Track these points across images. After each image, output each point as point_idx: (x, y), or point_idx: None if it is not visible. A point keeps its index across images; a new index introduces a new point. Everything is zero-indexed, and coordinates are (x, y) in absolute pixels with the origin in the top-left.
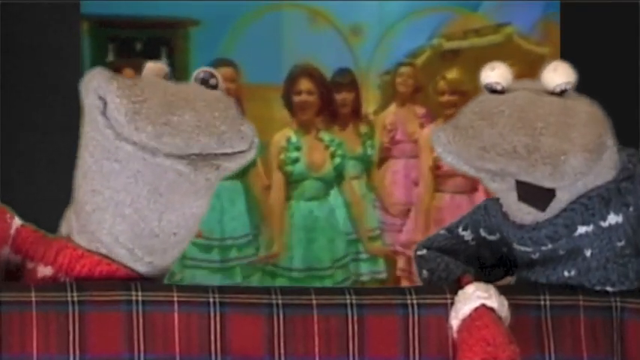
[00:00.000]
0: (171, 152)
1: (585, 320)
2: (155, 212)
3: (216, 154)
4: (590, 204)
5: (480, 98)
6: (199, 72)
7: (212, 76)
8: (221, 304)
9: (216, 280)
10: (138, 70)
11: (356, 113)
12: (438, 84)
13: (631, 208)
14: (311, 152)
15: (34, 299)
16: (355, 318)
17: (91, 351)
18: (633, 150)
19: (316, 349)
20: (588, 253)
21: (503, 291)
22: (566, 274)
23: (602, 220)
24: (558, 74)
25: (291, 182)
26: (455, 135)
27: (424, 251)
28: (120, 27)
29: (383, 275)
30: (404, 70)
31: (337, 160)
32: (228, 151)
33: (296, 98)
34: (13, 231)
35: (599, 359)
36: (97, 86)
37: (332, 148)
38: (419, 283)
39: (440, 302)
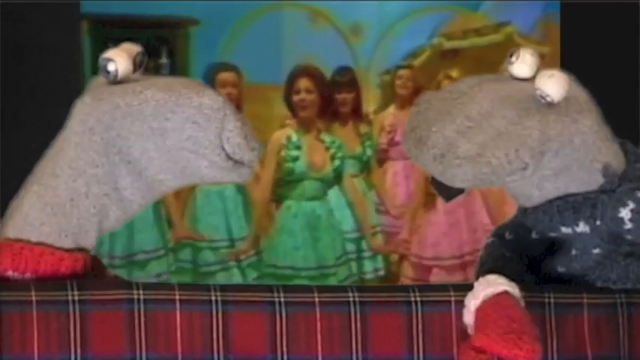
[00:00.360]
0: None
1: (589, 317)
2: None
3: None
4: (563, 207)
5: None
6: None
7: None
8: (223, 302)
9: (214, 280)
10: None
11: (356, 112)
12: (441, 83)
13: (598, 222)
14: (311, 152)
15: (34, 298)
16: (358, 316)
17: (92, 350)
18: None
19: (319, 347)
20: (573, 252)
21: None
22: (559, 269)
23: (575, 225)
24: (549, 85)
25: (290, 181)
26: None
27: (492, 239)
28: (120, 26)
29: (382, 273)
30: (403, 72)
31: (337, 162)
32: None
33: (295, 97)
34: None
35: (604, 356)
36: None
37: (332, 150)
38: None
39: (443, 300)
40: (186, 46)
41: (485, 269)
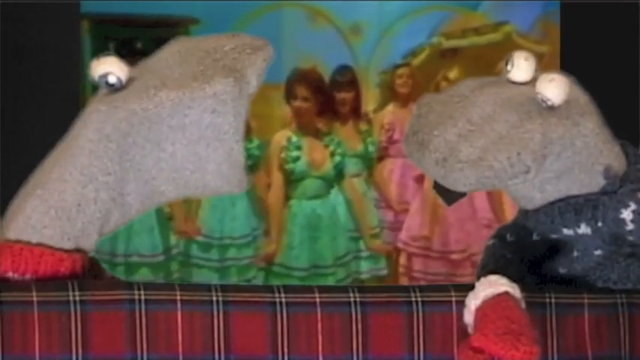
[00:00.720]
0: None
1: (590, 318)
2: None
3: None
4: (565, 209)
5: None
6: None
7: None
8: (224, 302)
9: (214, 279)
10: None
11: (356, 111)
12: (439, 84)
13: (599, 223)
14: (311, 151)
15: (35, 299)
16: (359, 316)
17: (93, 350)
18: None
19: (320, 347)
20: (575, 253)
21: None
22: (560, 270)
23: (577, 227)
24: (549, 89)
25: (292, 181)
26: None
27: (493, 241)
28: (120, 26)
29: (384, 272)
30: (402, 71)
31: (337, 158)
32: None
33: (293, 103)
34: None
35: (604, 356)
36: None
37: (331, 147)
38: (421, 277)
39: (444, 300)
40: None
41: (486, 270)
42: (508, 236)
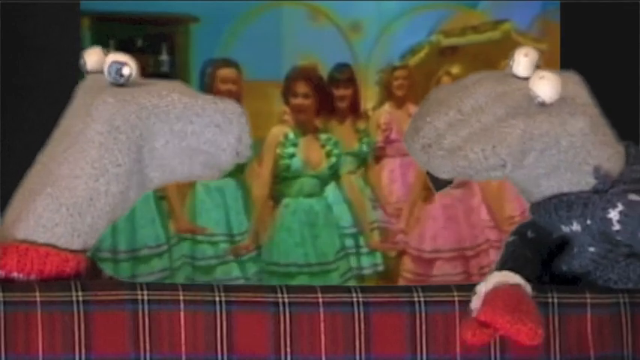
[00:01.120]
0: None
1: (592, 318)
2: None
3: None
4: (559, 206)
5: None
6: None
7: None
8: (227, 302)
9: (216, 277)
10: (138, 66)
11: (354, 109)
12: (441, 79)
13: (588, 221)
14: (307, 150)
15: (38, 299)
16: (362, 316)
17: (96, 351)
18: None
19: (322, 347)
20: (574, 250)
21: None
22: (562, 267)
23: (570, 224)
24: (539, 87)
25: (287, 178)
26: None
27: (513, 238)
28: (121, 23)
29: (380, 268)
30: (399, 73)
31: (333, 159)
32: None
33: (293, 100)
34: None
35: (607, 356)
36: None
37: (328, 147)
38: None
39: (447, 300)
40: (186, 42)
41: (505, 269)
42: (529, 233)
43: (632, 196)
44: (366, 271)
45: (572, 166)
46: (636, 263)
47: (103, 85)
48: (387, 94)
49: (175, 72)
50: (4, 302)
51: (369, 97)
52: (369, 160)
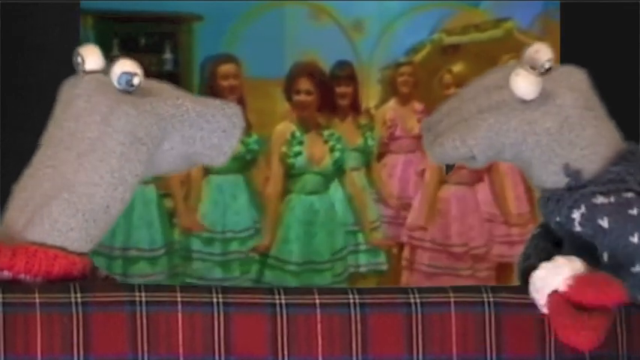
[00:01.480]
0: None
1: None
2: None
3: None
4: (545, 199)
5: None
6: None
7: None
8: (224, 304)
9: (216, 272)
10: (140, 63)
11: (355, 106)
12: (443, 77)
13: (557, 218)
14: (312, 147)
15: (37, 300)
16: (358, 317)
17: (94, 352)
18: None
19: (319, 348)
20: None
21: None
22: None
23: (553, 218)
24: (514, 83)
25: (292, 176)
26: None
27: (538, 230)
28: (124, 22)
29: (383, 266)
30: (404, 70)
31: (336, 154)
32: None
33: (295, 97)
34: None
35: (602, 355)
36: None
37: (331, 143)
38: (422, 272)
39: (443, 301)
40: (190, 41)
41: (527, 264)
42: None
43: (598, 199)
44: (369, 268)
45: (540, 163)
46: None
47: (111, 90)
48: (392, 90)
49: (178, 70)
50: (4, 304)
51: (371, 96)
52: (371, 156)
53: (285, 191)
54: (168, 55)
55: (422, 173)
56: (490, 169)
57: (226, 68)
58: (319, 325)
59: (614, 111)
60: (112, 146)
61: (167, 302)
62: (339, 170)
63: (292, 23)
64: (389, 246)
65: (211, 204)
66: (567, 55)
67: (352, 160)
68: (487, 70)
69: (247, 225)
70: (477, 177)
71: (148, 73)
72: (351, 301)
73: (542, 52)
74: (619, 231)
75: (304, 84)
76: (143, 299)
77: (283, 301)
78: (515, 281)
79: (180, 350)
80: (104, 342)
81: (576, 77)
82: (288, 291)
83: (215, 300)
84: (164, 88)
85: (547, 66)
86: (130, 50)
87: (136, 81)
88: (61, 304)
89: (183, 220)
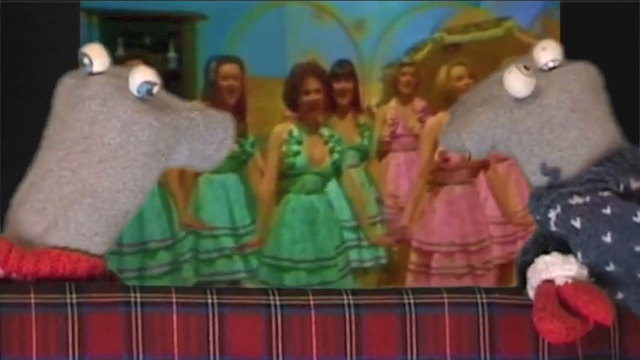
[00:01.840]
0: None
1: None
2: None
3: None
4: (529, 197)
5: None
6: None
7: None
8: (219, 305)
9: (215, 268)
10: (144, 62)
11: (355, 104)
12: (452, 69)
13: (537, 216)
14: (311, 147)
15: (33, 301)
16: (353, 318)
17: (89, 352)
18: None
19: (314, 349)
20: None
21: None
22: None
23: (536, 215)
24: (505, 80)
25: (290, 176)
26: None
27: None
28: (129, 21)
29: (384, 261)
30: (407, 70)
31: (335, 155)
32: None
33: (305, 98)
34: None
35: (595, 354)
36: None
37: (331, 144)
38: (422, 271)
39: (437, 302)
40: (193, 40)
41: (525, 259)
42: None
43: (574, 199)
44: (369, 263)
45: (522, 162)
46: None
47: (127, 95)
48: (393, 89)
49: (182, 69)
50: None
51: (372, 94)
52: (370, 154)
53: (281, 191)
54: (172, 54)
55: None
56: (488, 168)
57: (228, 68)
58: (314, 326)
59: (613, 111)
60: (136, 156)
61: (162, 303)
62: (337, 170)
63: (294, 22)
64: (388, 244)
65: (209, 202)
66: (567, 54)
67: (350, 158)
68: (487, 69)
69: (244, 223)
70: (474, 174)
71: None
72: (346, 302)
73: (549, 50)
74: (591, 230)
75: (313, 84)
76: (138, 300)
77: (278, 302)
78: (515, 280)
79: (175, 351)
80: (99, 343)
81: (571, 77)
82: (282, 292)
83: (210, 301)
84: (168, 96)
85: (551, 65)
86: (134, 49)
87: (155, 90)
88: (56, 305)
89: (183, 218)
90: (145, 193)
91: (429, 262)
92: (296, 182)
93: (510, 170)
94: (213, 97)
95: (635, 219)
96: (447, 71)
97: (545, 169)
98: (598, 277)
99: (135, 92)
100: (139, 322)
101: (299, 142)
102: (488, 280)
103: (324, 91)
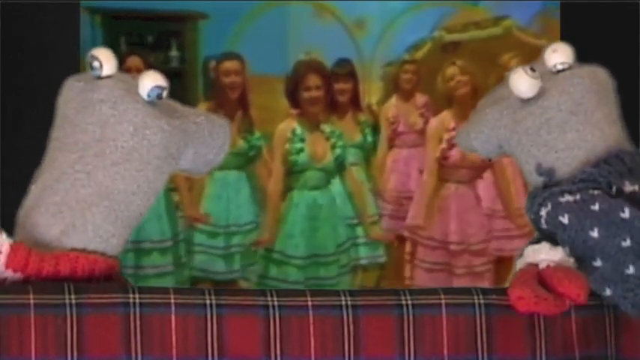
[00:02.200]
0: None
1: (577, 320)
2: None
3: None
4: (530, 195)
5: None
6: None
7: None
8: (217, 305)
9: (219, 265)
10: (146, 60)
11: (354, 102)
12: (447, 70)
13: (531, 215)
14: (313, 143)
15: (32, 301)
16: (350, 319)
17: (88, 353)
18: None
19: (312, 350)
20: None
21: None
22: None
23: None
24: (510, 81)
25: (294, 172)
26: None
27: None
28: (132, 20)
29: (382, 259)
30: (408, 67)
31: (337, 151)
32: None
33: (306, 94)
34: (4, 249)
35: (591, 356)
36: None
37: (333, 140)
38: (422, 267)
39: (434, 303)
40: (195, 38)
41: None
42: None
43: (564, 197)
44: (368, 261)
45: (520, 161)
46: None
47: (137, 99)
48: (394, 87)
49: (184, 67)
50: None
51: (373, 92)
52: (370, 152)
53: (287, 188)
54: (174, 53)
55: (422, 172)
56: (494, 165)
57: (229, 65)
58: (312, 327)
59: None
60: (149, 159)
61: (161, 304)
62: (339, 166)
63: (296, 21)
64: (389, 240)
65: (215, 198)
66: None
67: (351, 156)
68: (485, 67)
69: (250, 219)
70: (476, 175)
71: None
72: (344, 303)
73: (558, 53)
74: (578, 226)
75: (314, 80)
76: (137, 301)
77: (276, 303)
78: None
79: (174, 351)
80: (98, 343)
81: (574, 80)
82: (280, 293)
83: (208, 302)
84: (171, 101)
85: (560, 67)
86: (137, 47)
87: (165, 94)
88: (55, 306)
89: (189, 212)
90: (157, 195)
91: (429, 259)
92: (299, 179)
93: (510, 168)
94: (216, 93)
95: (622, 215)
96: (443, 72)
97: (540, 170)
98: (585, 272)
99: (145, 96)
100: (138, 322)
101: (302, 140)
102: (488, 278)
103: (324, 89)
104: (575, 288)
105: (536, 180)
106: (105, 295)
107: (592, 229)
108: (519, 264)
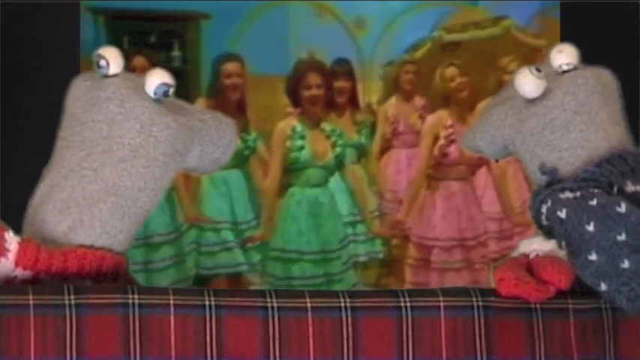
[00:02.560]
0: None
1: (575, 322)
2: None
3: None
4: (533, 194)
5: None
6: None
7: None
8: (217, 306)
9: (218, 261)
10: (149, 59)
11: (352, 102)
12: (445, 71)
13: (534, 213)
14: (314, 141)
15: (31, 302)
16: (349, 320)
17: (87, 354)
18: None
19: (311, 351)
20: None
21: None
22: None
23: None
24: (515, 80)
25: (295, 170)
26: None
27: None
28: (135, 20)
29: (381, 255)
30: (409, 67)
31: (338, 149)
32: None
33: (306, 92)
34: (13, 247)
35: (590, 356)
36: None
37: (333, 138)
38: (422, 266)
39: (432, 304)
40: (197, 38)
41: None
42: None
43: (565, 194)
44: (367, 257)
45: (524, 160)
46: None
47: (144, 97)
48: (394, 87)
49: (186, 67)
50: None
51: (373, 92)
52: (368, 151)
53: (285, 185)
54: (176, 52)
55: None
56: (490, 166)
57: (230, 67)
58: (311, 328)
59: None
60: (156, 155)
61: (160, 305)
62: (340, 164)
63: (296, 21)
64: (392, 235)
65: (212, 197)
66: None
67: (350, 155)
68: (485, 67)
69: (246, 218)
70: (474, 173)
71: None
72: (342, 304)
73: (564, 53)
74: (575, 220)
75: (315, 79)
76: (136, 301)
77: (275, 304)
78: None
79: (173, 352)
80: (97, 344)
81: (579, 81)
82: (279, 294)
83: (207, 303)
84: (176, 99)
85: (565, 68)
86: (140, 47)
87: (171, 92)
88: (54, 306)
89: (187, 212)
90: (164, 191)
91: (429, 257)
92: (300, 176)
93: (511, 167)
94: (217, 94)
95: (618, 209)
96: (441, 72)
97: (543, 169)
98: (581, 266)
99: (152, 94)
100: (137, 323)
101: (302, 137)
102: (485, 276)
103: (325, 87)
104: (556, 273)
105: (540, 179)
106: (104, 295)
107: (588, 223)
108: (513, 255)
